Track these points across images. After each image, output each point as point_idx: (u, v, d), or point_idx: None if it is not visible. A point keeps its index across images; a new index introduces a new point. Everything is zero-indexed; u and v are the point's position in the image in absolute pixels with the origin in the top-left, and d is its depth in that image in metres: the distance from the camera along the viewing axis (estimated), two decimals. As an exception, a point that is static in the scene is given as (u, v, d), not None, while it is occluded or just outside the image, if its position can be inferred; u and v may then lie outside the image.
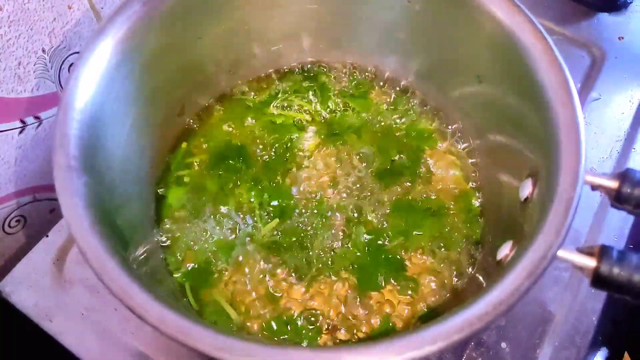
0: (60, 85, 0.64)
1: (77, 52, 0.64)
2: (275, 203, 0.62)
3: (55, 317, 0.59)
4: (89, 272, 0.40)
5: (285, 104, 0.69)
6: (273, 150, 0.66)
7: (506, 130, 0.59)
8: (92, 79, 0.49)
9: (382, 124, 0.68)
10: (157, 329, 0.38)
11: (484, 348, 0.59)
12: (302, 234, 0.61)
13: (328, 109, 0.69)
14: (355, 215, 0.62)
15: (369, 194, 0.63)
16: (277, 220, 0.61)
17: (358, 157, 0.66)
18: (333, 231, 0.61)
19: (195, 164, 0.65)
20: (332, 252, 0.60)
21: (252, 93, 0.70)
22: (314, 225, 0.61)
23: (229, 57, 0.67)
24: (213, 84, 0.68)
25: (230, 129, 0.68)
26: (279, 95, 0.70)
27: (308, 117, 0.69)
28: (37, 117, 0.62)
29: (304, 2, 0.64)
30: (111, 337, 0.58)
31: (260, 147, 0.67)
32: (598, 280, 0.40)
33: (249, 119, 0.68)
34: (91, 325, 0.59)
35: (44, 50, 0.59)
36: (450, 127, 0.68)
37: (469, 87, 0.62)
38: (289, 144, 0.67)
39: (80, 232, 0.41)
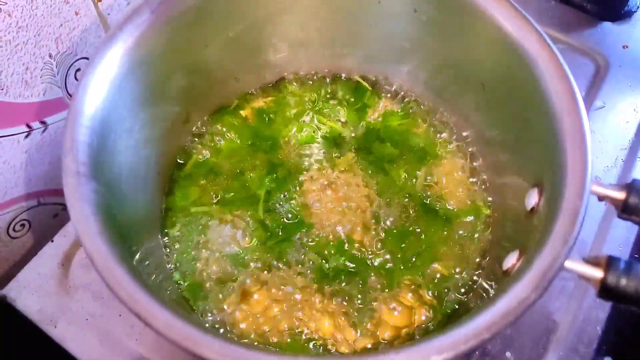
0: (67, 90, 0.64)
1: (84, 58, 0.64)
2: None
3: (60, 322, 0.59)
4: (93, 277, 0.40)
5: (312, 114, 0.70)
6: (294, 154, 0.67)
7: (511, 139, 0.59)
8: (101, 86, 0.49)
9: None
10: (163, 336, 0.38)
11: (489, 357, 0.59)
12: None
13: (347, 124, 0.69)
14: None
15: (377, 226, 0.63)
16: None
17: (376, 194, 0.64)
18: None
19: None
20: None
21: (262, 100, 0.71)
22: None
23: (236, 65, 0.67)
24: (218, 91, 0.68)
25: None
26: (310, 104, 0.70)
27: (327, 127, 0.69)
28: (43, 122, 0.62)
29: (312, 11, 0.64)
30: (115, 342, 0.58)
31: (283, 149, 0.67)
32: (605, 291, 0.40)
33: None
34: (95, 331, 0.58)
35: (50, 56, 0.59)
36: (455, 135, 0.68)
37: (474, 95, 0.62)
38: (307, 152, 0.67)
39: (88, 238, 0.41)
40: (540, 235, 0.43)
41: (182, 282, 0.59)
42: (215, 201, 0.63)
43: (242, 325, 0.56)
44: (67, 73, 0.62)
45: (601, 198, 0.45)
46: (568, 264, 0.41)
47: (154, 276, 0.51)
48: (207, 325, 0.56)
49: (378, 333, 0.56)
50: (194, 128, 0.67)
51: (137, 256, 0.47)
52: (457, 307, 0.57)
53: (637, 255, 0.67)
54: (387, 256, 0.60)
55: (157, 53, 0.55)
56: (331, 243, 0.61)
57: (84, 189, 0.43)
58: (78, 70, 0.64)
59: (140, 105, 0.55)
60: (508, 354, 0.59)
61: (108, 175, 0.48)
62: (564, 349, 0.60)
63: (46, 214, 0.70)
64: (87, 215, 0.42)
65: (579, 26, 0.83)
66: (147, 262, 0.51)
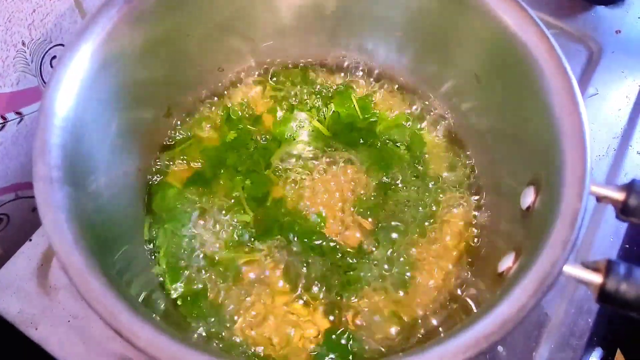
0: (42, 79, 0.62)
1: (59, 45, 0.62)
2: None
3: (41, 324, 0.57)
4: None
5: (285, 103, 0.68)
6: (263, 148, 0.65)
7: (507, 135, 0.57)
8: (73, 83, 0.46)
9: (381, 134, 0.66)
10: (146, 354, 0.36)
11: (481, 353, 0.59)
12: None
13: (328, 114, 0.67)
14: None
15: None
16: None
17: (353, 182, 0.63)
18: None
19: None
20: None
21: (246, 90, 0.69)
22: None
23: (220, 55, 0.65)
24: (201, 83, 0.66)
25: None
26: (278, 94, 0.68)
27: (309, 121, 0.67)
28: (18, 113, 0.60)
29: (297, -2, 0.63)
30: (99, 345, 0.57)
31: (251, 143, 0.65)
32: (604, 296, 0.39)
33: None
34: (78, 333, 0.57)
35: (23, 43, 0.57)
36: (448, 129, 0.66)
37: (469, 88, 0.61)
38: (280, 144, 0.65)
39: (62, 249, 0.39)
40: (538, 237, 0.42)
41: (169, 290, 0.57)
42: (198, 199, 0.61)
43: (236, 332, 0.55)
44: (42, 61, 0.61)
45: (600, 199, 0.44)
46: (567, 268, 0.40)
47: (138, 286, 0.49)
48: (198, 334, 0.54)
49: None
50: (176, 122, 0.65)
51: (118, 265, 0.45)
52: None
53: (627, 246, 0.67)
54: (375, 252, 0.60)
55: (132, 45, 0.52)
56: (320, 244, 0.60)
57: (57, 194, 0.41)
58: (54, 57, 0.62)
59: (117, 102, 0.53)
60: (500, 348, 0.59)
61: (84, 179, 0.46)
62: (556, 342, 0.60)
63: (24, 207, 0.69)
64: (60, 223, 0.40)
65: (572, 11, 0.82)
66: (129, 271, 0.49)
